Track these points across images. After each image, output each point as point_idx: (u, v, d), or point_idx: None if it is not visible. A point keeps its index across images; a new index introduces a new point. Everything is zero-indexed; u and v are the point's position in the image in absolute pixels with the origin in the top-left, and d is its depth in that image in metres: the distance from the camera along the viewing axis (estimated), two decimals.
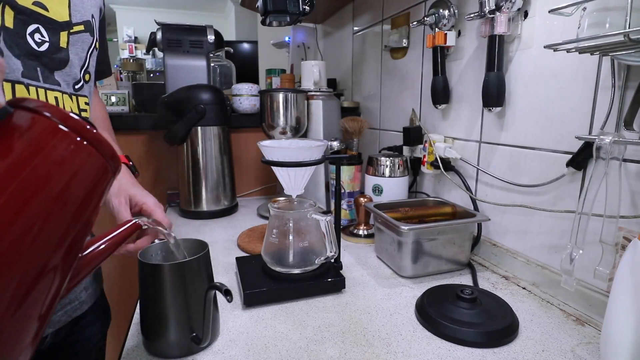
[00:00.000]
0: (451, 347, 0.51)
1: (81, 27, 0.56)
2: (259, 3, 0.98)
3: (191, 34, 1.17)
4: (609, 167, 0.51)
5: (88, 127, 0.29)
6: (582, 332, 0.54)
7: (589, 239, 0.56)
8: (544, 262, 0.67)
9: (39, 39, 0.50)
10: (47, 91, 0.52)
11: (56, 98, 0.53)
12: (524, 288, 0.67)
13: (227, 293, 0.45)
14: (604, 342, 0.42)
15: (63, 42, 0.53)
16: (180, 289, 0.47)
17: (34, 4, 0.49)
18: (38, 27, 0.50)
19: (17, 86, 0.48)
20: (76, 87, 0.57)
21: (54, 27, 0.51)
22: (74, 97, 0.56)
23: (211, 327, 0.48)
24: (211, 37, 1.19)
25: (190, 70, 1.17)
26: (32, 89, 0.50)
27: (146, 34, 1.40)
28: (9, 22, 0.47)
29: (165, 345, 0.48)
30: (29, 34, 0.49)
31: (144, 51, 4.55)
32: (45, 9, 0.50)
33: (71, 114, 0.28)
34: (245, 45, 3.55)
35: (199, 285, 0.49)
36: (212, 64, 1.30)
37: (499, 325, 0.52)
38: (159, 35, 1.15)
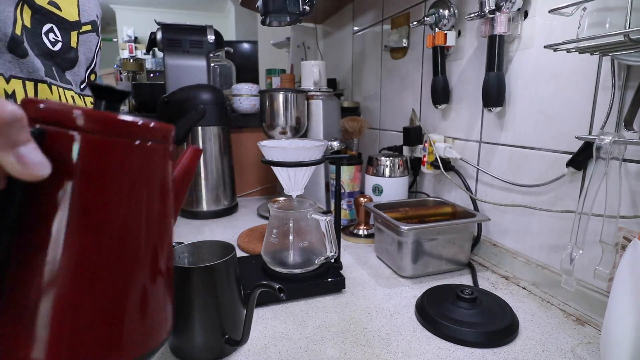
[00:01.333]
0: (451, 347, 0.51)
1: (89, 27, 0.56)
2: (259, 3, 0.98)
3: (191, 34, 1.17)
4: (609, 167, 0.51)
5: (140, 123, 0.26)
6: (582, 332, 0.54)
7: (589, 239, 0.56)
8: (544, 262, 0.67)
9: (53, 38, 0.50)
10: (65, 90, 0.52)
11: (72, 97, 0.53)
12: (524, 288, 0.67)
13: (281, 291, 0.44)
14: (604, 342, 0.42)
15: (73, 42, 0.53)
16: (212, 291, 0.47)
17: (49, 3, 0.49)
18: (52, 27, 0.49)
19: (39, 85, 0.48)
20: (82, 87, 0.57)
21: (65, 26, 0.51)
22: (81, 97, 0.56)
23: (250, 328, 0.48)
24: (211, 37, 1.19)
25: (190, 70, 1.17)
26: (54, 88, 0.50)
27: (146, 34, 1.40)
28: (27, 21, 0.47)
29: (197, 349, 0.47)
30: (44, 34, 0.49)
31: (144, 51, 4.54)
32: (59, 8, 0.50)
33: (118, 116, 0.25)
34: (245, 45, 3.54)
35: (228, 287, 0.48)
36: (212, 64, 1.30)
37: (499, 325, 0.52)
38: (159, 35, 1.15)
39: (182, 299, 0.47)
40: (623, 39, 0.43)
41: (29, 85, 0.46)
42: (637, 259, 0.39)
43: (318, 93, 1.13)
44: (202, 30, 1.19)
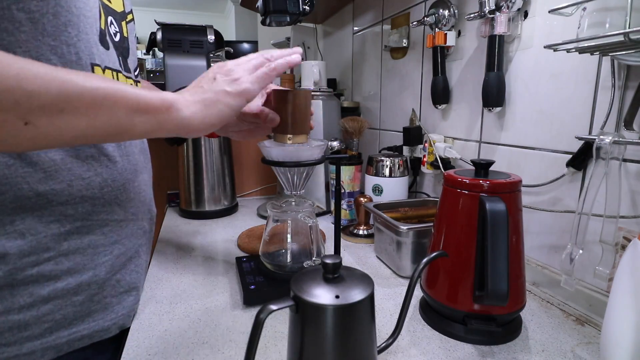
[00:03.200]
0: (452, 346, 0.51)
1: (131, 16, 0.58)
2: (259, 3, 0.98)
3: (191, 34, 1.17)
4: (609, 167, 0.51)
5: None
6: (582, 332, 0.54)
7: (589, 239, 0.56)
8: (544, 262, 0.67)
9: (114, 30, 0.52)
10: (127, 79, 0.54)
11: (132, 85, 0.56)
12: None
13: None
14: (604, 342, 0.42)
15: (125, 32, 0.55)
16: (350, 331, 0.39)
17: None
18: (111, 19, 0.52)
19: (119, 75, 0.52)
20: (135, 73, 0.59)
21: (116, 17, 0.53)
22: (137, 84, 0.59)
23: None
24: (211, 37, 1.19)
25: (190, 70, 1.17)
26: (122, 77, 0.53)
27: (146, 34, 1.40)
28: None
29: None
30: (108, 25, 0.51)
31: (144, 51, 4.54)
32: (110, 0, 0.52)
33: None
34: (245, 45, 3.55)
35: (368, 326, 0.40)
36: (212, 64, 1.29)
37: (499, 325, 0.52)
38: (159, 35, 1.15)
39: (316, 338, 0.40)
40: (623, 39, 0.43)
41: (108, 75, 0.49)
42: (637, 259, 0.39)
43: (318, 93, 1.13)
44: (202, 30, 1.19)
